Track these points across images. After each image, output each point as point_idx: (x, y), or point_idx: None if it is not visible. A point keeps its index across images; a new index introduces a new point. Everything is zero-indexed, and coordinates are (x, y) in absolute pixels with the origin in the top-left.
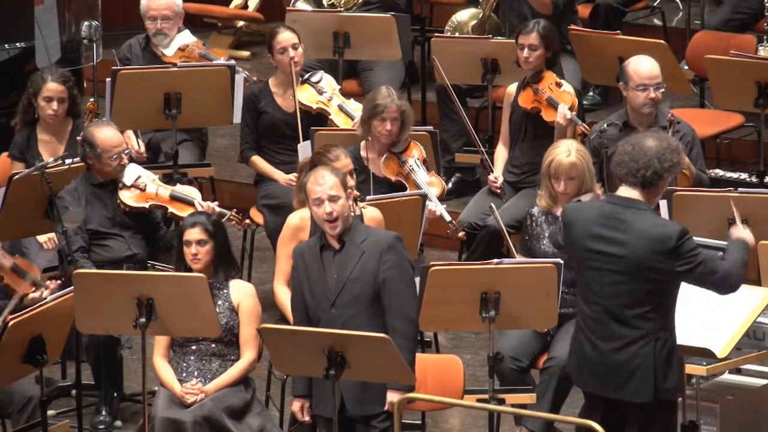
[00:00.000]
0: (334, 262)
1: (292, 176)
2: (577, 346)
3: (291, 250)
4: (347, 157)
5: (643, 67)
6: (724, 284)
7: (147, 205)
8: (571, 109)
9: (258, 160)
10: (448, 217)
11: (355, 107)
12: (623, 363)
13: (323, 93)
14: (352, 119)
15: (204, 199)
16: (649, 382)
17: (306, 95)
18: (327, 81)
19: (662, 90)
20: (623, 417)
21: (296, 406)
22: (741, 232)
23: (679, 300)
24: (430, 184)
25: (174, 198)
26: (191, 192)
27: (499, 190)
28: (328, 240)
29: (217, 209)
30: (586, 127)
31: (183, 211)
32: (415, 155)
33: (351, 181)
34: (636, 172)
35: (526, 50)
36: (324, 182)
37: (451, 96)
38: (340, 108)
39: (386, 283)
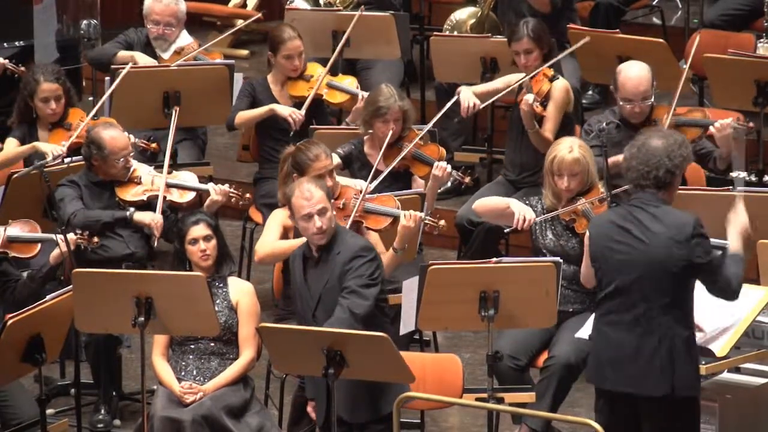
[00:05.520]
0: (314, 272)
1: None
2: (597, 343)
3: (282, 219)
4: (328, 157)
5: (629, 83)
6: (729, 289)
7: (145, 198)
8: (545, 97)
9: (245, 112)
10: (455, 173)
11: (349, 81)
12: (642, 358)
13: (309, 79)
14: (350, 93)
15: (201, 195)
16: (667, 377)
17: (296, 88)
18: (311, 67)
19: (649, 102)
20: (637, 415)
21: (310, 408)
22: (736, 239)
23: None
24: (428, 149)
25: (171, 185)
26: (188, 177)
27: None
28: (311, 250)
29: (223, 187)
30: (539, 106)
31: (183, 197)
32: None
33: (330, 181)
34: (647, 174)
35: (522, 56)
36: (312, 197)
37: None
38: (331, 86)
39: (345, 290)
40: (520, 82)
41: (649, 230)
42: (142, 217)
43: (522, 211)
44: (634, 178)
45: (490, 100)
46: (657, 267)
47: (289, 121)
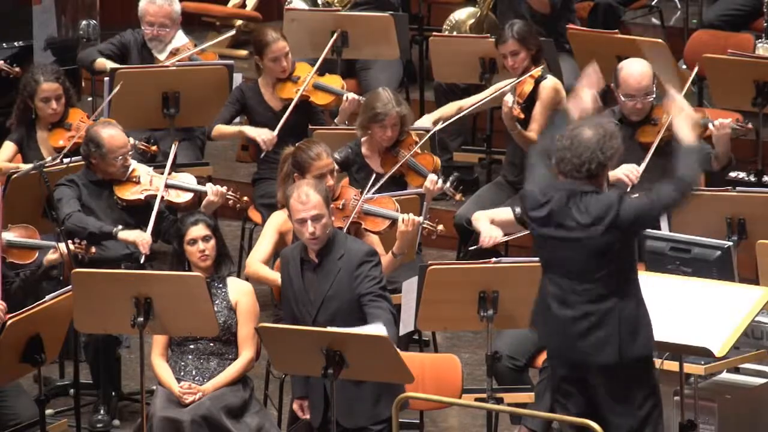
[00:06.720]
0: (314, 277)
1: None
2: (545, 325)
3: (279, 224)
4: (329, 156)
5: (632, 78)
6: (669, 204)
7: (143, 197)
8: (528, 98)
9: (222, 127)
10: (447, 188)
11: (334, 81)
12: (586, 328)
13: (297, 80)
14: (335, 94)
15: (200, 196)
16: (614, 345)
17: (284, 90)
18: (300, 67)
19: (650, 98)
20: (588, 390)
21: (296, 405)
22: (688, 131)
23: (677, 299)
24: (423, 159)
25: (170, 186)
26: (186, 178)
27: None
28: (309, 253)
29: (220, 188)
30: (517, 108)
31: (180, 197)
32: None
33: (331, 181)
34: (580, 168)
35: (509, 58)
36: (308, 201)
37: None
38: (316, 87)
39: (362, 298)
40: (513, 84)
41: (584, 213)
42: (127, 235)
43: (488, 233)
44: (567, 170)
45: (481, 108)
46: (593, 248)
47: (259, 143)
